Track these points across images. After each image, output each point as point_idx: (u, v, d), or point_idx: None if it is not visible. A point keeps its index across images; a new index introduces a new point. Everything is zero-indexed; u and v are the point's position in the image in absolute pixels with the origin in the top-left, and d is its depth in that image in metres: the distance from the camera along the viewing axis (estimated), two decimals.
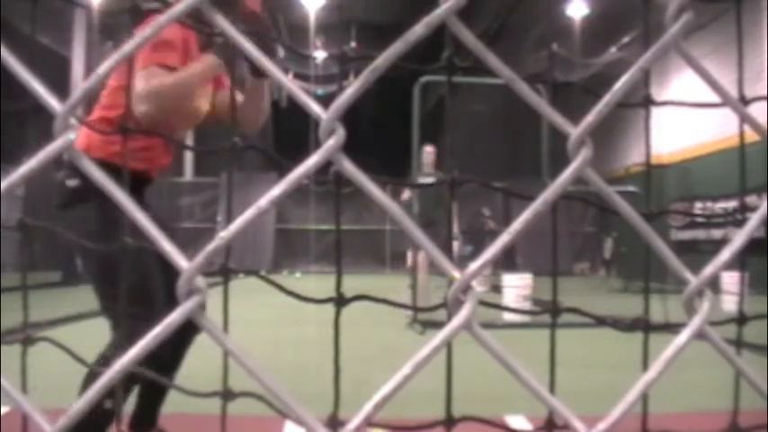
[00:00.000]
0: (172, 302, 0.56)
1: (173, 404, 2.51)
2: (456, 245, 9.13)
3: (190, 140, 19.46)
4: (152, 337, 0.56)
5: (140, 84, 2.11)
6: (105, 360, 2.11)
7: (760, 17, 11.74)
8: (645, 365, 0.91)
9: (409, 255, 8.77)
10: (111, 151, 2.07)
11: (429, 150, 8.44)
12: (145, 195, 2.47)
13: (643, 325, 1.01)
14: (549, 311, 1.02)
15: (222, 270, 1.06)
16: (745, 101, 0.95)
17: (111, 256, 2.13)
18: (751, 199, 1.27)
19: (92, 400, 0.56)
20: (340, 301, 1.00)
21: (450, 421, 0.96)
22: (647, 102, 1.01)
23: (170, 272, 0.70)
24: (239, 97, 2.46)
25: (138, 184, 2.34)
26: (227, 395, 1.06)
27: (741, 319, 1.06)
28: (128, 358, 0.56)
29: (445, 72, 1.04)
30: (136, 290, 2.19)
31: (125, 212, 0.59)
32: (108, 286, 2.20)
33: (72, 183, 2.19)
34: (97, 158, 2.08)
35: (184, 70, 2.20)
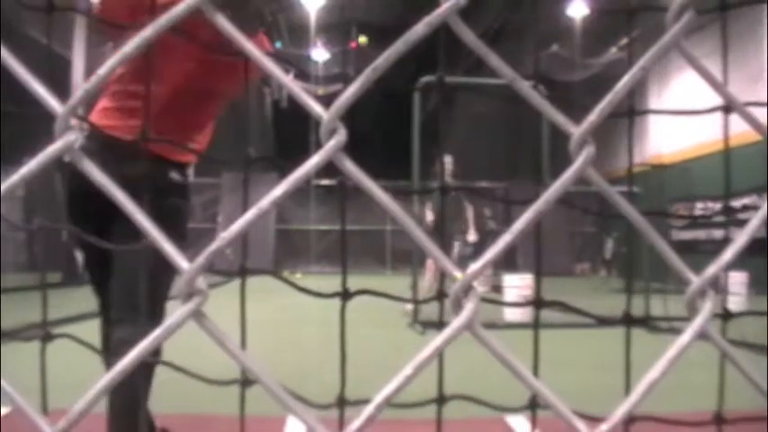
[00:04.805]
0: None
1: (173, 404, 2.51)
2: (457, 246, 9.11)
3: None
4: (152, 339, 0.56)
5: None
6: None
7: (760, 17, 11.73)
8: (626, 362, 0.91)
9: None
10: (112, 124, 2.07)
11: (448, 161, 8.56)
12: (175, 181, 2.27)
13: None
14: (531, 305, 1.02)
15: (240, 270, 1.06)
16: None
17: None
18: (751, 199, 1.27)
19: (92, 401, 0.56)
20: (345, 295, 1.01)
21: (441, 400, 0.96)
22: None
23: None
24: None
25: (159, 167, 2.14)
26: (244, 383, 1.07)
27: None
28: (128, 360, 0.56)
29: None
30: (157, 285, 2.09)
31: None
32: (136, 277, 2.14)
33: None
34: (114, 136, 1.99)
35: None
